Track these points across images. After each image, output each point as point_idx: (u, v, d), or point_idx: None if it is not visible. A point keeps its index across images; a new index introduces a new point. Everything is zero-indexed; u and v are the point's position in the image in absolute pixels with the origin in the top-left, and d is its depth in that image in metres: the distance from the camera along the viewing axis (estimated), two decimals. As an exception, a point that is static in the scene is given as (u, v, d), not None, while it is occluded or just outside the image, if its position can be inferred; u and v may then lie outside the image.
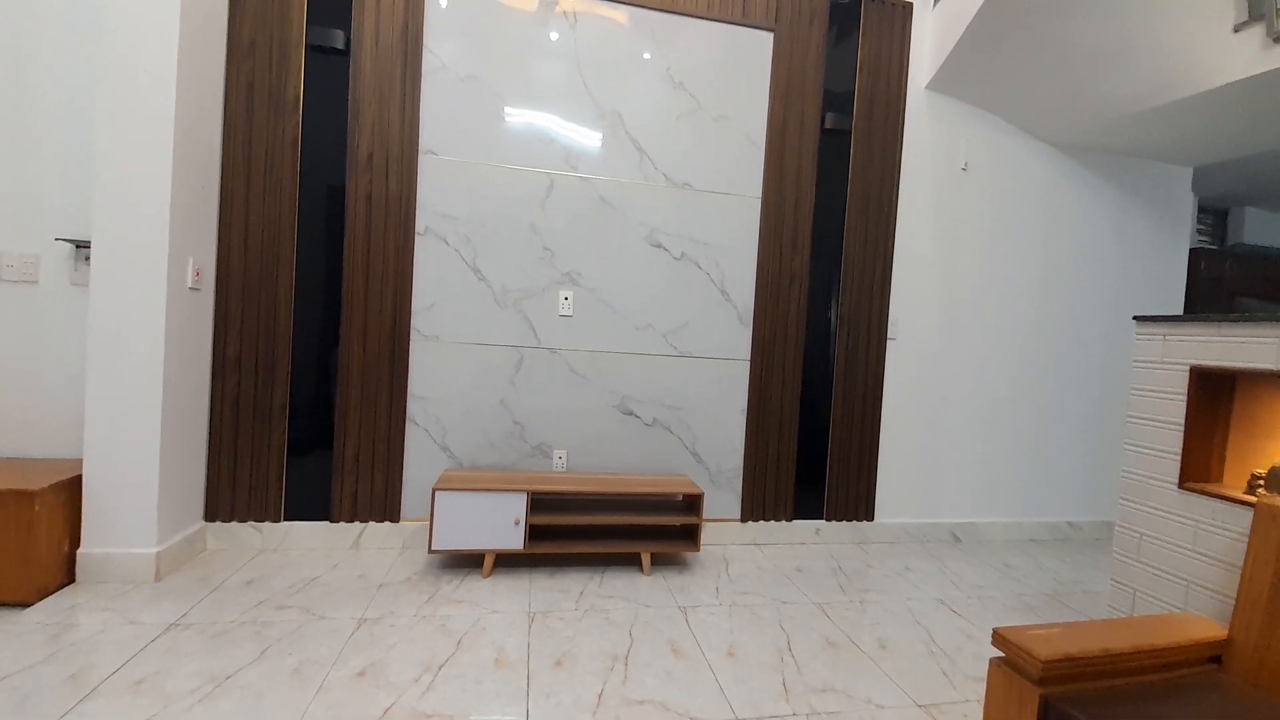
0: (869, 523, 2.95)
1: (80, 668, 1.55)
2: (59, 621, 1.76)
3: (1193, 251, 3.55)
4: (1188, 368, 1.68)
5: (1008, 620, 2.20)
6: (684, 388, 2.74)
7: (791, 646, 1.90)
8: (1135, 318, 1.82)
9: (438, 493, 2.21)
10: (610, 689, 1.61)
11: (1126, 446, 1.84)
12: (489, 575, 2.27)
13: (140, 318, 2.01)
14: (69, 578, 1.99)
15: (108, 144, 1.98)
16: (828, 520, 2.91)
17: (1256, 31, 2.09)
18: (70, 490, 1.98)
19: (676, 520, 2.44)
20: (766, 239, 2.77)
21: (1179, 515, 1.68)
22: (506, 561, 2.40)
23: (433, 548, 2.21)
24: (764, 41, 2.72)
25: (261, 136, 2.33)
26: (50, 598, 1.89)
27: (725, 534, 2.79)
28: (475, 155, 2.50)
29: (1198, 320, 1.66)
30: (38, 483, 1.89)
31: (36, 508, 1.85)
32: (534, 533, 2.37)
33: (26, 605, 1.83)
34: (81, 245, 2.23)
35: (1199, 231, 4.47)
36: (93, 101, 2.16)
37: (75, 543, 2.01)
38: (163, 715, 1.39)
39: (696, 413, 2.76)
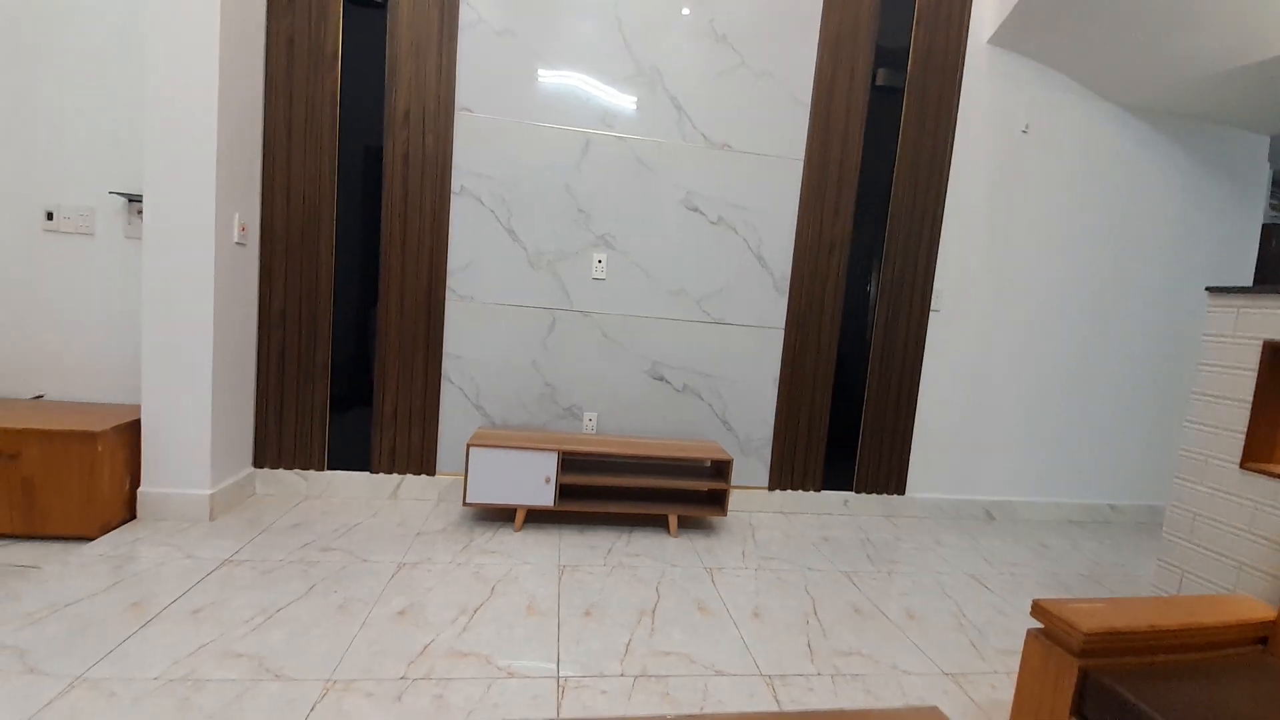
0: (900, 496, 2.91)
1: (142, 596, 1.65)
2: (121, 554, 1.88)
3: (1264, 227, 3.30)
4: (1261, 342, 1.58)
5: (1041, 597, 2.16)
6: (716, 355, 2.71)
7: (817, 611, 1.91)
8: (1208, 289, 1.71)
9: (472, 449, 2.26)
10: (638, 640, 1.65)
11: (1187, 424, 1.75)
12: (520, 529, 2.32)
13: (190, 271, 2.08)
14: (130, 514, 2.12)
15: (155, 100, 2.01)
16: (857, 492, 2.88)
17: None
18: (130, 433, 2.09)
19: (704, 485, 2.45)
20: (807, 204, 2.68)
21: (1238, 496, 1.60)
22: (537, 517, 2.46)
23: (467, 500, 2.27)
24: (813, -8, 2.58)
25: (302, 92, 2.33)
26: (113, 532, 2.02)
27: (752, 501, 2.79)
28: (511, 113, 2.47)
29: (1276, 292, 1.55)
30: (100, 425, 1.99)
31: (99, 448, 1.96)
32: (564, 491, 2.41)
33: (90, 539, 1.96)
34: (134, 199, 2.30)
35: (1272, 206, 4.15)
36: (141, 57, 2.19)
37: (136, 482, 2.13)
38: (220, 641, 1.48)
39: (728, 380, 2.73)
